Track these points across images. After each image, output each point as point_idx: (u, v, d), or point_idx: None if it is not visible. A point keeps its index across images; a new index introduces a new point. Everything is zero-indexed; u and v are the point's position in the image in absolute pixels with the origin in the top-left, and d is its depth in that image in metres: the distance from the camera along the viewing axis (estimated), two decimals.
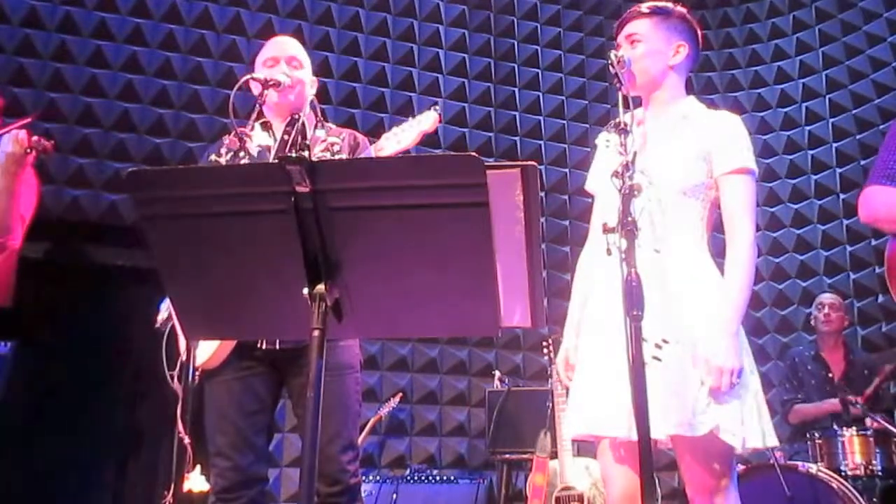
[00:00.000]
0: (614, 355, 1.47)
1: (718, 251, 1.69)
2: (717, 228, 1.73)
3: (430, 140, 4.29)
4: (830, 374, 3.45)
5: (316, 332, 1.08)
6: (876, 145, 4.33)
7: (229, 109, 1.70)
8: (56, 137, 3.62)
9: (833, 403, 3.24)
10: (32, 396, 3.37)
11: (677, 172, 1.64)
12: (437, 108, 1.95)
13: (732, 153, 1.66)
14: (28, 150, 2.18)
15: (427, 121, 1.92)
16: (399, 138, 1.90)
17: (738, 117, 1.72)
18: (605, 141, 1.79)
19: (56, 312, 3.49)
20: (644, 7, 1.75)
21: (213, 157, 1.97)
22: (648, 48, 1.70)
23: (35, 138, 2.22)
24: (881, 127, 4.30)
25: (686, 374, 1.54)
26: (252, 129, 1.86)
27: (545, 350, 3.27)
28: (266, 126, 1.98)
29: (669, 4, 1.77)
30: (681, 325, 1.57)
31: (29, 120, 2.33)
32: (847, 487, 2.64)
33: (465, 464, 3.98)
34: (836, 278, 4.32)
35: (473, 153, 1.04)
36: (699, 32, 1.79)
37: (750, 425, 1.54)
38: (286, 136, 1.94)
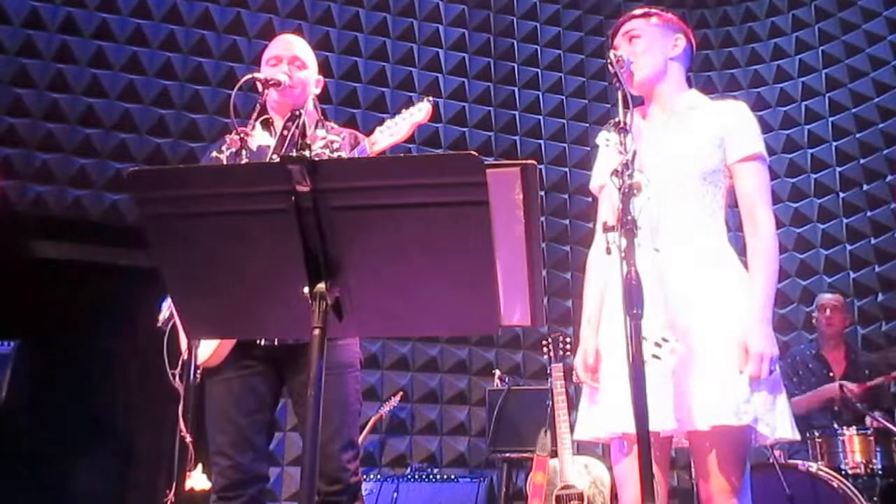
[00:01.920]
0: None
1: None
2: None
3: (430, 139, 4.35)
4: (831, 374, 3.44)
5: (316, 331, 1.08)
6: (876, 144, 4.34)
7: (230, 109, 1.71)
8: (58, 138, 3.66)
9: (830, 389, 3.21)
10: (34, 395, 3.38)
11: (697, 159, 1.66)
12: (430, 98, 1.95)
13: (745, 140, 1.68)
14: None
15: (420, 113, 1.92)
16: (392, 131, 1.90)
17: (745, 105, 1.74)
18: (605, 140, 1.80)
19: (58, 312, 3.50)
20: (638, 10, 1.80)
21: (214, 153, 1.98)
22: (648, 42, 1.75)
23: None
24: (881, 126, 4.30)
25: (704, 369, 1.54)
26: (253, 127, 1.86)
27: (545, 349, 3.28)
28: (267, 124, 1.99)
29: (660, 10, 1.82)
30: (685, 323, 1.57)
31: None
32: (847, 486, 2.64)
33: (465, 462, 3.99)
34: (835, 277, 4.32)
35: (473, 152, 1.04)
36: (691, 34, 1.83)
37: (780, 416, 1.56)
38: (285, 132, 1.95)
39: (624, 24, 1.78)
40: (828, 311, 3.49)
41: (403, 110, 1.93)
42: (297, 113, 1.96)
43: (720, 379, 1.53)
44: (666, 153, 1.67)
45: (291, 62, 1.97)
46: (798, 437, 1.60)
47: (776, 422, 1.55)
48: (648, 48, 1.74)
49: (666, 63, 1.75)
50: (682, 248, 1.63)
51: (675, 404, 1.52)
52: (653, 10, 1.80)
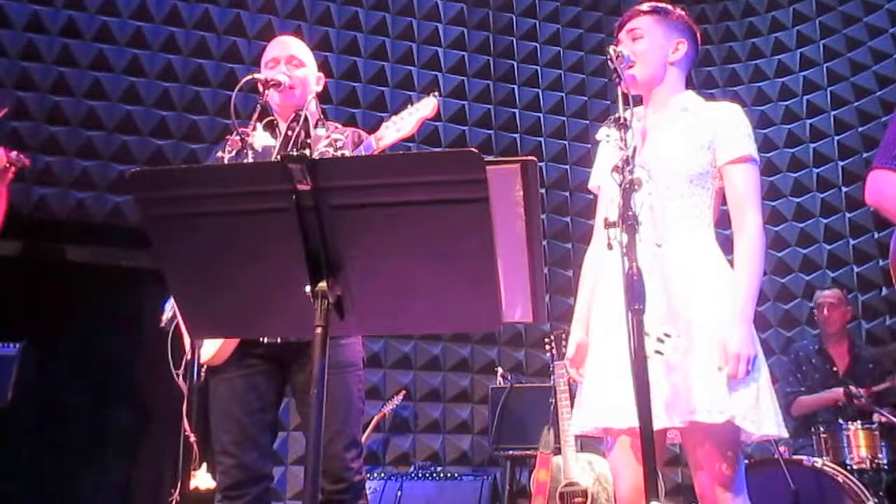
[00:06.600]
0: (623, 349, 1.48)
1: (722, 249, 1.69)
2: (719, 224, 1.73)
3: (430, 138, 4.35)
4: (835, 369, 3.44)
5: (318, 330, 1.09)
6: (878, 137, 4.32)
7: (230, 110, 1.72)
8: (61, 140, 3.66)
9: (835, 392, 3.20)
10: (40, 396, 3.40)
11: (683, 161, 1.66)
12: (436, 94, 1.95)
13: (735, 142, 1.67)
14: (7, 166, 2.24)
15: (426, 108, 1.92)
16: (398, 126, 1.90)
17: (738, 107, 1.74)
18: (605, 136, 1.80)
19: (62, 313, 3.51)
20: (645, 6, 1.78)
21: (219, 153, 1.99)
22: (651, 43, 1.73)
23: (14, 154, 2.29)
24: (883, 119, 4.28)
25: (691, 366, 1.55)
26: (254, 128, 1.87)
27: (547, 346, 3.28)
28: (271, 126, 1.99)
29: (668, 6, 1.80)
30: (684, 319, 1.58)
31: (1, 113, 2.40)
32: (852, 481, 2.63)
33: (468, 460, 3.99)
34: (839, 272, 4.31)
35: (473, 149, 1.05)
36: (697, 33, 1.81)
37: (765, 412, 1.56)
38: (289, 132, 1.96)
39: (630, 20, 1.76)
40: (825, 310, 3.47)
41: (409, 106, 1.93)
42: (301, 113, 1.97)
43: (699, 377, 1.54)
44: (653, 154, 1.67)
45: (289, 62, 1.98)
46: (785, 433, 1.60)
47: (762, 419, 1.55)
48: (650, 50, 1.72)
49: (665, 67, 1.74)
50: (670, 246, 1.63)
51: (663, 400, 1.52)
52: (660, 6, 1.77)
